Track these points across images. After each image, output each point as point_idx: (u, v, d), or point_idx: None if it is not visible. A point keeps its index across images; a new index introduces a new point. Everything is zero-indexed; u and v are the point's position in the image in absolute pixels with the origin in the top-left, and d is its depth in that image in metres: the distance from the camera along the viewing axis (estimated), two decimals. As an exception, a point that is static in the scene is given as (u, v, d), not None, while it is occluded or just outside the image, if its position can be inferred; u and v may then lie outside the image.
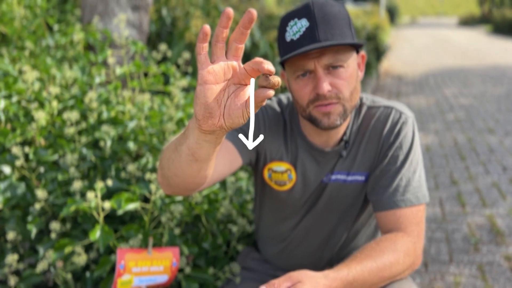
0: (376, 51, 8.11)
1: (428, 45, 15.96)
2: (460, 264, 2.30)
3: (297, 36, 1.06)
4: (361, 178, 1.22)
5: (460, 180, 3.46)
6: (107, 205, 1.28)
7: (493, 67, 9.96)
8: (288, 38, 1.08)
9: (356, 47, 1.12)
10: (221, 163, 1.06)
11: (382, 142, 1.20)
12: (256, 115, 1.23)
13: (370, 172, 1.22)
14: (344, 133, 1.22)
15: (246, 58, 2.96)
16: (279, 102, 1.30)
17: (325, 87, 1.06)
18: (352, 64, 1.10)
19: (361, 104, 1.25)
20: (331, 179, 1.23)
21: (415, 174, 1.16)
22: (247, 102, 0.69)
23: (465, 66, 10.26)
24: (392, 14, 29.45)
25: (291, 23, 1.08)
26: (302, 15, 1.06)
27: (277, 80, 0.65)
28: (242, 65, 0.69)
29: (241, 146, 1.16)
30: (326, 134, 1.20)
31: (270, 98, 0.79)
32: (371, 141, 1.21)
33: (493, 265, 2.28)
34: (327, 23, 1.05)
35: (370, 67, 7.31)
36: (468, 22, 32.98)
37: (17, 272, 1.52)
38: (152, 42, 3.08)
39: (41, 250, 1.45)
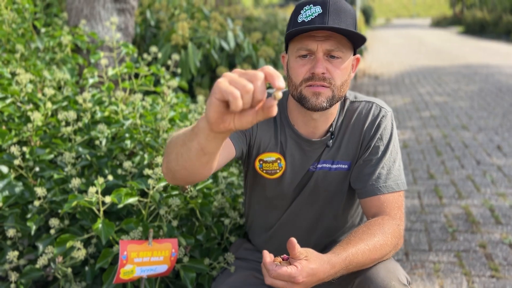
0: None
1: (403, 46, 16.31)
2: (438, 252, 2.42)
3: (309, 18, 1.16)
4: (344, 166, 1.32)
5: (436, 174, 3.61)
6: (108, 199, 1.34)
7: (465, 66, 10.28)
8: (299, 20, 1.18)
9: (354, 48, 1.23)
10: (221, 155, 1.13)
11: (364, 134, 1.31)
12: None
13: (352, 161, 1.32)
14: (331, 125, 1.31)
15: (231, 58, 3.03)
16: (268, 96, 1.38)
17: (322, 68, 1.16)
18: (348, 60, 1.21)
19: (345, 99, 1.35)
20: (317, 167, 1.33)
21: (395, 163, 1.28)
22: (257, 111, 0.73)
23: (439, 65, 10.55)
24: (367, 15, 29.92)
25: (306, 7, 1.18)
26: (318, 3, 1.17)
27: (280, 94, 0.72)
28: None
29: (235, 140, 1.24)
30: (313, 124, 1.29)
31: None
32: (353, 133, 1.31)
33: (469, 252, 2.41)
34: (337, 14, 1.16)
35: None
36: (440, 23, 33.75)
37: (16, 268, 1.56)
38: (137, 44, 3.13)
39: (40, 246, 1.49)
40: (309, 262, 1.01)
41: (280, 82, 0.71)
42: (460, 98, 6.67)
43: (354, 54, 1.26)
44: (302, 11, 1.18)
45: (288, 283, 0.99)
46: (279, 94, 0.72)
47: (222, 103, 0.73)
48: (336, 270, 1.06)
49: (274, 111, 0.73)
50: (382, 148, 1.28)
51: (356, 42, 1.20)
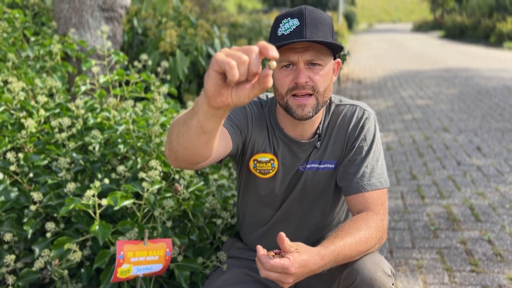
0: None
1: (385, 50, 16.58)
2: (421, 249, 2.51)
3: (288, 32, 1.23)
4: (331, 166, 1.40)
5: (419, 174, 3.72)
6: (105, 202, 1.39)
7: (446, 69, 10.51)
8: (279, 33, 1.25)
9: (334, 54, 1.31)
10: (220, 144, 1.18)
11: (348, 135, 1.39)
12: (245, 110, 1.39)
13: (338, 161, 1.41)
14: (318, 127, 1.39)
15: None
16: (260, 100, 1.46)
17: (304, 78, 1.23)
18: (329, 66, 1.28)
19: (330, 103, 1.43)
20: (306, 167, 1.40)
21: (378, 162, 1.36)
22: (254, 85, 0.76)
23: (420, 69, 10.77)
24: (350, 21, 30.31)
25: (284, 21, 1.25)
26: (295, 16, 1.25)
27: (274, 64, 0.75)
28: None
29: (233, 134, 1.30)
30: (301, 127, 1.37)
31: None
32: (339, 134, 1.40)
33: (451, 249, 2.50)
34: (314, 25, 1.23)
35: (331, 72, 7.58)
36: (421, 27, 34.35)
37: (13, 272, 1.59)
38: (124, 51, 3.18)
39: (36, 250, 1.53)
40: (300, 254, 1.08)
41: (274, 52, 0.73)
42: (441, 101, 6.84)
43: (334, 58, 1.33)
44: (281, 25, 1.25)
45: (281, 275, 1.05)
46: (273, 64, 0.75)
47: (219, 75, 0.76)
48: (326, 262, 1.12)
49: (270, 81, 0.75)
50: (366, 148, 1.37)
51: (334, 49, 1.28)
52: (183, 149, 1.00)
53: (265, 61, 0.77)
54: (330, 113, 1.42)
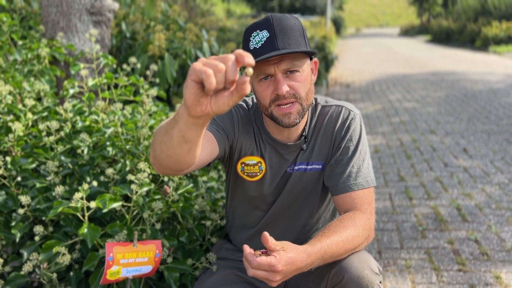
0: (324, 60, 8.50)
1: (373, 54, 16.73)
2: (409, 249, 2.54)
3: (259, 45, 1.23)
4: (318, 166, 1.42)
5: (406, 176, 3.76)
6: (93, 204, 1.39)
7: (433, 73, 10.64)
8: (251, 47, 1.25)
9: (310, 54, 1.31)
10: (205, 150, 1.19)
11: (335, 135, 1.41)
12: (231, 114, 1.39)
13: (325, 161, 1.42)
14: (304, 129, 1.40)
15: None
16: (246, 103, 1.47)
17: (284, 88, 1.24)
18: (307, 68, 1.29)
19: (316, 104, 1.45)
20: (294, 169, 1.42)
21: (364, 162, 1.38)
22: (232, 92, 0.77)
23: (407, 73, 10.89)
24: (338, 25, 30.53)
25: (254, 34, 1.25)
26: (263, 27, 1.24)
27: (250, 71, 0.76)
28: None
29: (219, 140, 1.31)
30: (287, 131, 1.39)
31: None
32: (325, 135, 1.41)
33: (438, 249, 2.53)
34: (284, 34, 1.23)
35: (319, 77, 7.66)
36: (408, 32, 34.71)
37: (1, 276, 1.58)
38: (113, 55, 3.17)
39: (25, 253, 1.53)
40: (287, 252, 1.08)
41: (249, 59, 0.74)
42: (428, 104, 6.91)
43: (311, 59, 1.34)
44: (251, 38, 1.25)
45: (268, 273, 1.06)
46: (250, 71, 0.76)
47: (197, 84, 0.77)
48: (313, 260, 1.13)
49: (247, 88, 0.76)
50: (352, 148, 1.38)
51: (309, 52, 1.28)
52: (166, 157, 1.01)
53: (242, 69, 0.78)
54: (316, 114, 1.43)
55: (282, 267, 1.06)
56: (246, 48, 1.28)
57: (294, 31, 1.25)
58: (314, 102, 1.45)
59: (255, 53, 1.23)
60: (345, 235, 1.20)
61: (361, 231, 1.24)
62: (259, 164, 1.41)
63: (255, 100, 1.47)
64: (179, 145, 0.94)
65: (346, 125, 1.40)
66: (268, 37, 1.22)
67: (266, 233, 1.07)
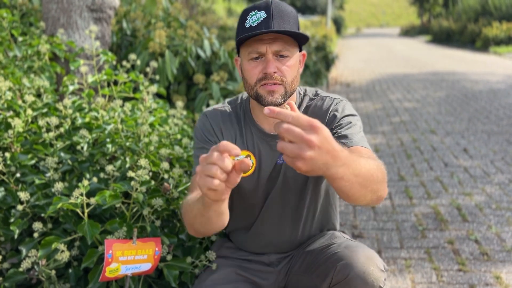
0: (325, 60, 8.49)
1: (373, 54, 16.72)
2: (409, 249, 2.53)
3: (255, 23, 1.27)
4: None
5: (407, 176, 3.75)
6: (93, 201, 1.38)
7: (433, 73, 10.63)
8: (247, 25, 1.29)
9: (300, 46, 1.35)
10: None
11: (328, 117, 1.40)
12: (208, 129, 1.46)
13: None
14: None
15: (207, 66, 3.11)
16: (230, 102, 1.52)
17: (273, 68, 1.28)
18: (295, 57, 1.33)
19: (304, 96, 1.48)
20: (284, 160, 1.40)
21: (359, 133, 1.36)
22: (237, 170, 0.94)
23: (408, 73, 10.88)
24: (338, 25, 30.52)
25: (252, 13, 1.29)
26: (262, 8, 1.29)
27: (244, 157, 0.93)
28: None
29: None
30: (273, 119, 1.38)
31: None
32: None
33: (438, 248, 2.53)
34: (281, 17, 1.28)
35: (320, 76, 7.65)
36: (409, 32, 34.70)
37: (0, 272, 1.58)
38: (113, 52, 3.16)
39: (23, 250, 1.52)
40: (323, 128, 0.87)
41: (235, 151, 0.92)
42: (428, 104, 6.91)
43: (300, 51, 1.38)
44: (248, 17, 1.29)
45: (301, 146, 0.84)
46: (244, 159, 0.93)
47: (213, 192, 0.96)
48: (345, 155, 0.93)
49: (248, 166, 0.93)
50: (347, 120, 1.37)
51: (300, 40, 1.33)
52: (210, 230, 1.22)
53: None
54: (303, 105, 1.46)
55: (321, 139, 0.85)
56: (241, 26, 1.32)
57: (290, 17, 1.30)
58: (302, 93, 1.49)
59: (249, 30, 1.27)
60: (369, 163, 1.06)
61: (380, 166, 1.13)
62: (249, 158, 1.40)
63: (244, 97, 1.51)
64: (217, 218, 1.13)
65: (336, 107, 1.41)
66: (265, 18, 1.27)
67: (291, 102, 1.08)
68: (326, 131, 0.86)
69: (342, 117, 1.39)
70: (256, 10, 1.28)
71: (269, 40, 1.27)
